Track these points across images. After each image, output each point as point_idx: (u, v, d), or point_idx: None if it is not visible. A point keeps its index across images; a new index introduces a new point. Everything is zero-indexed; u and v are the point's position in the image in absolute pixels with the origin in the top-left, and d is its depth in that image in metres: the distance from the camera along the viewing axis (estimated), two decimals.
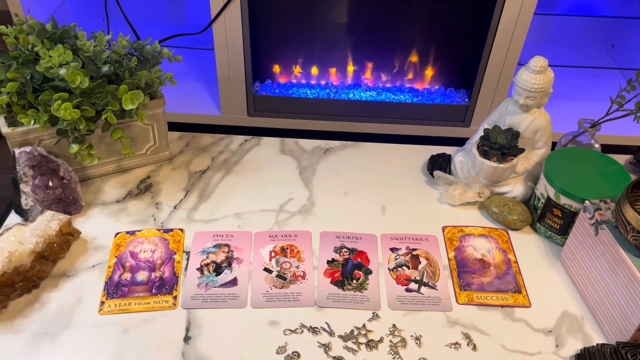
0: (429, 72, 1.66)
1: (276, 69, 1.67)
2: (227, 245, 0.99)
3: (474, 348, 0.85)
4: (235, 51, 1.53)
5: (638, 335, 0.81)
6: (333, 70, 1.67)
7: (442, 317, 0.89)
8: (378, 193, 1.11)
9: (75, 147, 0.97)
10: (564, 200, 0.96)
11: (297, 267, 0.96)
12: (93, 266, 0.94)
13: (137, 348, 0.82)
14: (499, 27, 1.46)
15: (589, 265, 0.90)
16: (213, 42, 1.52)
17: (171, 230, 1.01)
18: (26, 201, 0.97)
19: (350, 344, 0.84)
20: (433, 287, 0.93)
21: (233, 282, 0.93)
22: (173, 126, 1.21)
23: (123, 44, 1.03)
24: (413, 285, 0.94)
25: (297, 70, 1.67)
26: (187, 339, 0.84)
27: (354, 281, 0.94)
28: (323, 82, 1.69)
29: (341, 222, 1.04)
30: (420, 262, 0.98)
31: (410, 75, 1.67)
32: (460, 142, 1.19)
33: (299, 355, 0.83)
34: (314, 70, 1.67)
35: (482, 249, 1.01)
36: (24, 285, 0.88)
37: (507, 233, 1.04)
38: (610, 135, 1.62)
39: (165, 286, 0.91)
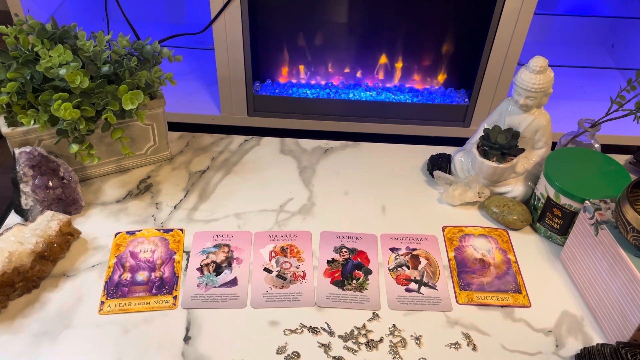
0: (429, 72, 1.66)
1: (276, 68, 1.67)
2: (227, 245, 0.99)
3: (474, 348, 0.85)
4: (235, 51, 1.53)
5: (638, 335, 0.81)
6: (333, 70, 1.67)
7: (442, 317, 0.89)
8: (378, 193, 1.11)
9: (75, 147, 0.97)
10: (564, 200, 0.96)
11: (297, 267, 0.96)
12: (93, 266, 0.94)
13: (137, 348, 0.82)
14: (499, 27, 1.46)
15: (589, 265, 0.90)
16: (213, 42, 1.52)
17: (171, 230, 1.01)
18: (26, 201, 0.97)
19: (350, 344, 0.84)
20: (433, 287, 0.93)
21: (233, 282, 0.93)
22: (173, 126, 1.21)
23: (123, 44, 1.03)
24: (413, 285, 0.94)
25: (297, 70, 1.67)
26: (187, 339, 0.84)
27: (354, 281, 0.94)
28: (323, 82, 1.69)
29: (341, 222, 1.04)
30: (420, 262, 0.98)
31: (410, 75, 1.67)
32: (460, 142, 1.19)
33: (299, 355, 0.83)
34: (314, 70, 1.67)
35: (482, 249, 1.01)
36: (24, 285, 0.88)
37: (507, 233, 1.04)
38: (610, 135, 1.63)
39: (165, 286, 0.91)
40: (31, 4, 1.54)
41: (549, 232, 1.02)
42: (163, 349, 0.82)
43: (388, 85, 1.69)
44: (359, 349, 0.84)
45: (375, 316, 0.89)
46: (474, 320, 0.89)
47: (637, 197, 0.87)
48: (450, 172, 1.14)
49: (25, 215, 0.98)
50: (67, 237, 0.96)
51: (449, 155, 1.17)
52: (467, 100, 1.65)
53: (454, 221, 1.06)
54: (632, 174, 1.05)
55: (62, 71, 0.92)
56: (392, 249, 1.00)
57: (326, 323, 0.87)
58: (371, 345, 0.84)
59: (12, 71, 0.94)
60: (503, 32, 1.47)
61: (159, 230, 1.01)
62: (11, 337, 0.83)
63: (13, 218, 1.01)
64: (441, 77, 1.67)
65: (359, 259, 0.97)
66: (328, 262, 0.97)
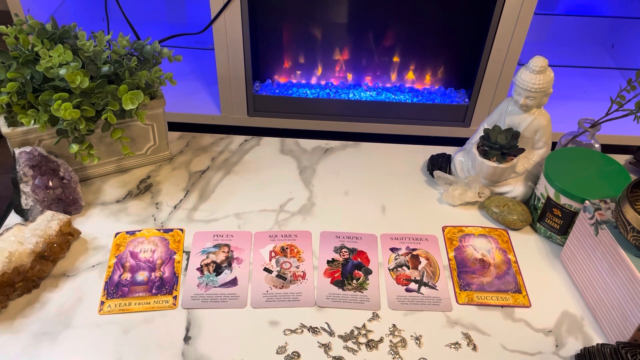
0: (429, 72, 1.66)
1: (276, 68, 1.67)
2: (227, 245, 0.99)
3: (474, 348, 0.85)
4: (235, 51, 1.53)
5: (638, 335, 0.81)
6: (333, 70, 1.67)
7: (442, 317, 0.89)
8: (378, 193, 1.11)
9: (75, 147, 0.97)
10: (564, 200, 0.96)
11: (297, 267, 0.96)
12: (93, 266, 0.94)
13: (137, 348, 0.82)
14: (499, 27, 1.46)
15: (589, 265, 0.90)
16: (213, 42, 1.52)
17: (171, 230, 1.01)
18: (26, 201, 0.97)
19: (350, 344, 0.84)
20: (433, 287, 0.93)
21: (233, 282, 0.93)
22: (173, 126, 1.21)
23: (123, 44, 1.03)
24: (413, 285, 0.94)
25: (297, 70, 1.67)
26: (187, 339, 0.84)
27: (354, 281, 0.94)
28: (323, 82, 1.69)
29: (341, 222, 1.04)
30: (420, 262, 0.98)
31: (410, 75, 1.67)
32: (460, 142, 1.19)
33: (299, 355, 0.83)
34: (314, 70, 1.67)
35: (482, 249, 1.01)
36: (24, 285, 0.88)
37: (507, 233, 1.04)
38: (610, 135, 1.63)
39: (165, 286, 0.91)
40: (31, 4, 1.54)
41: (549, 232, 1.02)
42: (163, 349, 0.82)
43: (388, 85, 1.69)
44: (359, 349, 0.84)
45: (375, 316, 0.89)
46: (474, 320, 0.89)
47: (637, 197, 0.87)
48: (450, 172, 1.14)
49: (25, 215, 0.98)
50: (67, 237, 0.96)
51: (449, 155, 1.17)
52: (467, 100, 1.65)
53: (454, 221, 1.06)
54: (632, 174, 1.05)
55: (62, 71, 0.92)
56: (392, 249, 1.00)
57: (326, 323, 0.87)
58: (371, 345, 0.84)
59: (12, 71, 0.94)
60: (503, 32, 1.47)
61: (159, 230, 1.01)
62: (11, 337, 0.83)
63: (13, 218, 1.01)
64: (441, 77, 1.67)
65: (359, 259, 0.97)
66: (328, 262, 0.97)
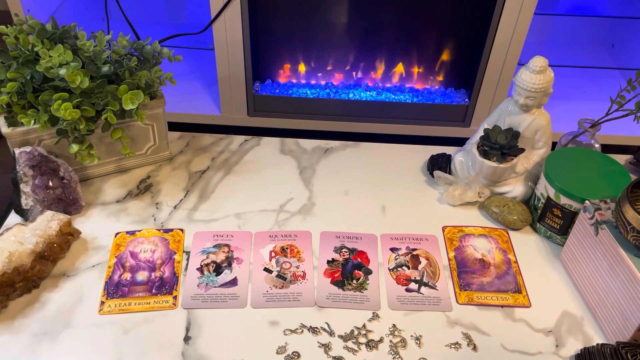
0: (429, 72, 1.66)
1: (276, 68, 1.67)
2: (227, 245, 0.99)
3: (474, 348, 0.85)
4: (235, 51, 1.53)
5: (638, 335, 0.81)
6: (333, 70, 1.67)
7: (442, 317, 0.89)
8: (378, 193, 1.11)
9: (75, 147, 0.97)
10: (564, 200, 0.96)
11: (297, 267, 0.96)
12: (93, 266, 0.94)
13: (137, 348, 0.82)
14: (499, 27, 1.46)
15: (589, 265, 0.90)
16: (213, 42, 1.52)
17: (171, 230, 1.01)
18: (26, 201, 0.97)
19: (350, 344, 0.84)
20: (433, 287, 0.93)
21: (233, 282, 0.93)
22: (173, 126, 1.21)
23: (123, 44, 1.03)
24: (413, 285, 0.94)
25: (297, 70, 1.67)
26: (187, 339, 0.84)
27: (354, 281, 0.94)
28: (323, 82, 1.69)
29: (341, 222, 1.04)
30: (420, 262, 0.98)
31: (410, 75, 1.67)
32: (460, 142, 1.19)
33: (299, 355, 0.83)
34: (314, 70, 1.67)
35: (482, 249, 1.01)
36: (24, 285, 0.88)
37: (507, 233, 1.04)
38: (610, 135, 1.62)
39: (165, 286, 0.91)
40: (31, 4, 1.54)
41: (549, 232, 1.02)
42: (163, 349, 0.83)
43: (388, 85, 1.69)
44: (359, 349, 0.84)
45: (375, 316, 0.89)
46: (474, 320, 0.89)
47: (637, 197, 0.87)
48: (450, 172, 1.14)
49: (25, 215, 0.98)
50: (67, 237, 0.96)
51: (449, 155, 1.17)
52: (467, 100, 1.65)
53: (454, 221, 1.06)
54: (632, 174, 1.05)
55: (62, 71, 0.92)
56: (392, 249, 1.00)
57: (326, 323, 0.87)
58: (371, 345, 0.84)
59: (12, 71, 0.94)
60: (503, 32, 1.47)
61: (159, 230, 1.01)
62: (11, 337, 0.83)
63: (13, 218, 1.01)
64: (441, 77, 1.67)
65: (359, 259, 0.97)
66: (328, 262, 0.97)
